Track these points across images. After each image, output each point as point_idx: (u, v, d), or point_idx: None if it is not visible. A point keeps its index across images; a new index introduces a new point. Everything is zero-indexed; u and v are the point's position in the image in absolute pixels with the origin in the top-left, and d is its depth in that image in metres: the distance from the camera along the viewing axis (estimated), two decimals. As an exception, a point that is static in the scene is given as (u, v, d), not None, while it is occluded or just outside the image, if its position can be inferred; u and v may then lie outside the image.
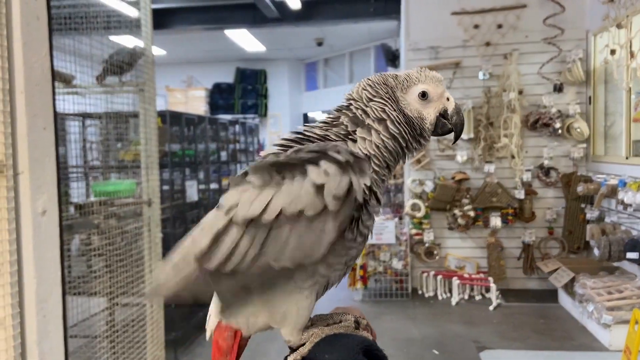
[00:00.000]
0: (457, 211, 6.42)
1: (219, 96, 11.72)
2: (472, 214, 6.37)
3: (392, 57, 8.88)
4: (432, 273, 6.43)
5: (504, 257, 6.39)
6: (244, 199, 0.62)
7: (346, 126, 0.73)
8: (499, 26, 6.41)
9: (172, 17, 8.71)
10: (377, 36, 9.85)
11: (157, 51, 10.92)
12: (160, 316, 3.01)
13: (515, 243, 6.46)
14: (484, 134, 6.36)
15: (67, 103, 3.33)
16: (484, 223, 6.43)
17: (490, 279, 6.05)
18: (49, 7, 1.74)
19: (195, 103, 11.39)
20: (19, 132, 1.59)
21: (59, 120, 3.97)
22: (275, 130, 11.62)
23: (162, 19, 8.65)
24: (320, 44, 10.22)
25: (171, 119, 5.14)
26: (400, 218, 6.79)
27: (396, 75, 0.73)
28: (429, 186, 6.58)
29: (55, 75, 2.92)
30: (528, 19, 6.29)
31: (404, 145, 0.71)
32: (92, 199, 2.70)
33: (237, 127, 7.65)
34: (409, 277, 6.50)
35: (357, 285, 6.56)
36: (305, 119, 12.33)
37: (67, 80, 2.89)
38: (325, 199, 0.60)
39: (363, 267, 6.56)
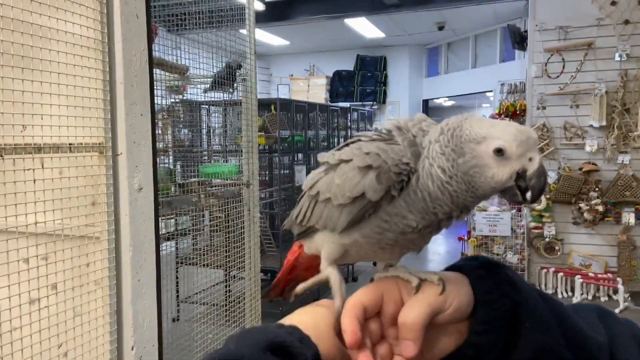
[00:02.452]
0: (583, 205, 5.90)
1: (339, 84, 11.92)
2: (600, 208, 5.81)
3: (519, 39, 8.32)
4: (552, 270, 6.00)
5: (637, 257, 5.75)
6: (310, 176, 0.81)
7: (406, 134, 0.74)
8: (641, 1, 5.70)
9: (294, 8, 9.03)
10: (504, 17, 9.29)
11: (281, 42, 11.40)
12: (257, 290, 3.22)
13: (652, 243, 5.78)
14: (618, 122, 5.74)
15: (201, 91, 3.68)
16: (614, 219, 5.84)
17: (619, 279, 5.49)
18: (148, 6, 1.94)
19: (317, 91, 11.72)
20: (119, 118, 1.81)
21: (192, 107, 4.39)
22: (393, 117, 11.55)
23: (285, 11, 9.01)
24: (441, 28, 9.91)
25: (281, 107, 5.37)
26: (519, 210, 6.41)
27: (476, 124, 0.69)
28: (552, 177, 6.12)
29: (171, 67, 3.24)
30: (677, -10, 5.52)
31: (456, 190, 0.69)
32: (194, 179, 2.97)
33: (353, 114, 7.75)
34: (525, 273, 6.14)
35: (469, 277, 6.36)
36: (425, 105, 12.07)
37: (181, 72, 3.18)
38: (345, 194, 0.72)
39: (475, 259, 6.30)
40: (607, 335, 0.75)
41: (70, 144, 1.69)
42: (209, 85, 3.33)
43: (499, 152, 0.66)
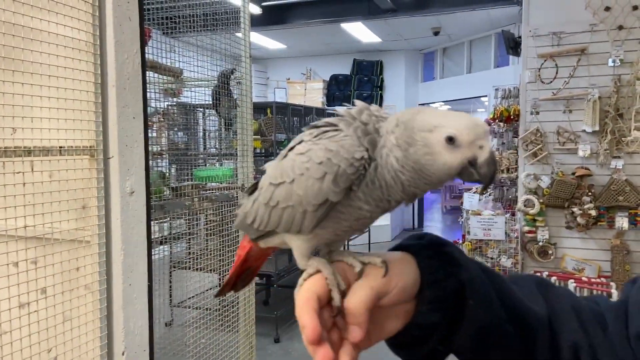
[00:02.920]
0: (576, 209, 5.91)
1: (336, 87, 11.94)
2: (593, 213, 5.82)
3: (513, 45, 8.36)
4: (545, 273, 6.00)
5: (630, 262, 5.77)
6: (263, 185, 0.79)
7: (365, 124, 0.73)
8: (635, 8, 5.72)
9: (291, 13, 9.04)
10: (498, 23, 9.33)
11: (278, 45, 11.41)
12: (252, 294, 3.21)
13: (645, 248, 5.80)
14: (611, 127, 5.76)
15: (198, 94, 3.66)
16: (608, 224, 5.85)
17: (613, 284, 5.50)
18: (141, 9, 1.94)
19: (313, 95, 11.72)
20: (110, 121, 1.80)
21: (188, 110, 4.38)
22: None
23: (281, 15, 9.02)
24: (437, 33, 9.95)
25: (277, 110, 5.37)
26: (512, 214, 6.42)
27: (428, 114, 0.71)
28: (545, 181, 6.13)
29: (165, 70, 3.24)
30: (670, -4, 5.55)
31: (408, 179, 0.70)
32: (186, 183, 2.96)
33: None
34: (519, 277, 6.14)
35: (462, 281, 6.36)
36: (421, 110, 12.09)
37: (176, 75, 3.17)
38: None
39: (469, 263, 6.30)
40: (547, 307, 0.78)
41: (60, 147, 1.68)
42: (203, 89, 3.32)
43: (450, 140, 0.68)
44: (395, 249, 0.78)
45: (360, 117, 0.73)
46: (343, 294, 0.68)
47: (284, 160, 0.76)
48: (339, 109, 0.78)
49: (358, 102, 0.76)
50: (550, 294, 0.80)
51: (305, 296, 0.65)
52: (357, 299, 0.66)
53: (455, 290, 0.71)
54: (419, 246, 0.75)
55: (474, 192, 7.10)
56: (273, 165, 0.79)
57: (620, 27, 5.75)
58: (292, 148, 0.76)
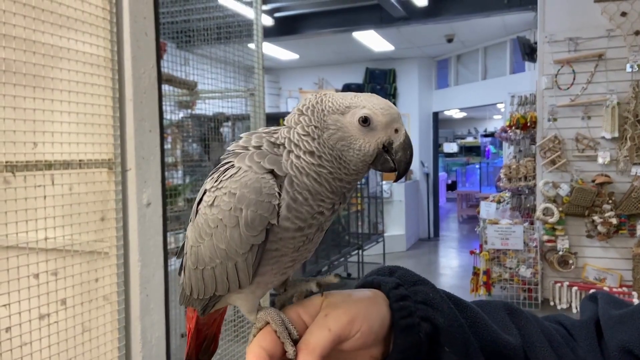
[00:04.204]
0: (596, 217, 5.82)
1: (349, 97, 11.96)
2: (614, 221, 5.73)
3: (529, 51, 8.31)
4: (566, 284, 5.92)
5: (653, 271, 5.66)
6: (187, 253, 0.73)
7: (276, 137, 0.68)
8: (652, 12, 5.67)
9: (303, 23, 9.11)
10: (513, 29, 9.29)
11: (290, 55, 11.48)
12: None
13: (668, 256, 5.68)
14: (630, 133, 5.68)
15: (209, 106, 3.70)
16: (629, 232, 5.76)
17: (635, 293, 5.40)
18: (157, 24, 1.97)
19: (327, 104, 11.74)
20: (128, 134, 1.83)
21: (201, 121, 4.41)
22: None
23: (293, 25, 9.09)
24: (450, 40, 9.93)
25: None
26: (531, 223, 6.34)
27: (338, 96, 0.66)
28: (564, 189, 6.05)
29: (180, 83, 3.28)
30: (688, 1, 5.49)
31: (330, 171, 0.64)
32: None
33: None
34: (539, 287, 6.06)
35: (479, 291, 6.29)
36: (435, 117, 12.05)
37: (190, 87, 3.21)
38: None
39: (487, 272, 6.26)
40: (520, 336, 0.74)
41: (80, 160, 1.71)
42: (217, 99, 3.36)
43: (365, 121, 0.63)
44: (363, 285, 0.72)
45: (251, 144, 0.67)
46: (298, 341, 0.62)
47: (197, 218, 0.69)
48: (229, 147, 0.72)
49: (243, 134, 0.71)
50: (522, 321, 0.76)
51: (255, 353, 0.59)
52: (313, 340, 0.60)
53: (430, 335, 0.65)
54: (392, 285, 0.68)
55: (490, 201, 7.04)
56: (190, 227, 0.73)
57: (637, 33, 5.68)
58: (200, 201, 0.71)
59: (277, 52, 11.01)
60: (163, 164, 1.98)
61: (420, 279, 0.71)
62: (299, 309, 0.65)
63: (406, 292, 0.67)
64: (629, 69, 5.71)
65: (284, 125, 0.68)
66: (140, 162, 1.87)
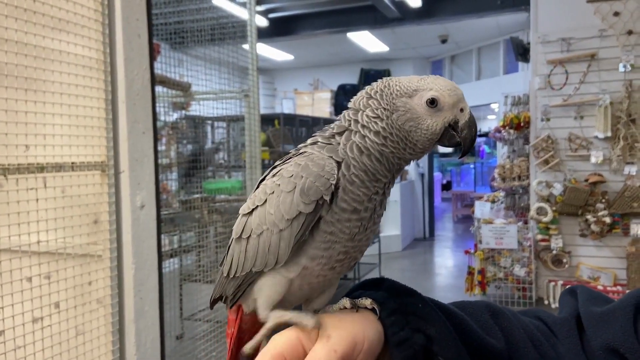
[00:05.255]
0: (590, 217, 5.85)
1: (344, 97, 11.96)
2: (608, 220, 5.76)
3: (522, 51, 8.34)
4: (560, 282, 5.95)
5: (646, 270, 5.69)
6: (235, 225, 0.75)
7: (332, 129, 0.72)
8: (644, 11, 5.70)
9: (298, 24, 9.11)
10: (507, 29, 9.33)
11: (285, 56, 11.48)
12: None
13: (661, 255, 5.72)
14: (623, 132, 5.71)
15: (204, 107, 3.69)
16: (622, 230, 5.79)
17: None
18: (150, 25, 1.97)
19: (321, 105, 11.75)
20: (121, 136, 1.82)
21: (196, 122, 4.41)
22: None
23: (288, 26, 9.09)
24: (444, 41, 9.95)
25: (285, 121, 5.40)
26: (525, 222, 6.37)
27: (404, 80, 0.70)
28: (557, 189, 6.08)
29: (174, 84, 3.27)
30: (680, 1, 5.52)
31: (392, 151, 0.68)
32: (196, 196, 2.98)
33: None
34: (533, 286, 6.09)
35: (474, 290, 6.30)
36: (430, 118, 12.07)
37: (184, 88, 3.21)
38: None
39: (481, 272, 6.27)
40: (504, 337, 0.75)
41: (72, 163, 1.70)
42: (210, 100, 3.36)
43: (432, 102, 0.67)
44: (350, 293, 0.73)
45: (307, 143, 0.73)
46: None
47: (256, 191, 0.73)
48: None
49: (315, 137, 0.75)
50: (505, 322, 0.77)
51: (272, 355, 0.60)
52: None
53: (424, 346, 0.66)
54: (379, 299, 0.69)
55: (485, 201, 7.05)
56: (248, 201, 0.75)
57: (630, 32, 5.71)
58: (262, 180, 0.74)
59: (271, 53, 11.01)
60: (157, 166, 1.97)
61: (407, 290, 0.71)
62: (296, 332, 0.65)
63: (396, 305, 0.68)
64: (621, 69, 5.74)
65: (350, 107, 0.72)
66: (134, 164, 1.86)
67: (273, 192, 0.69)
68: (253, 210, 0.72)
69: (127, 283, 1.84)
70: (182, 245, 3.43)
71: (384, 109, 0.68)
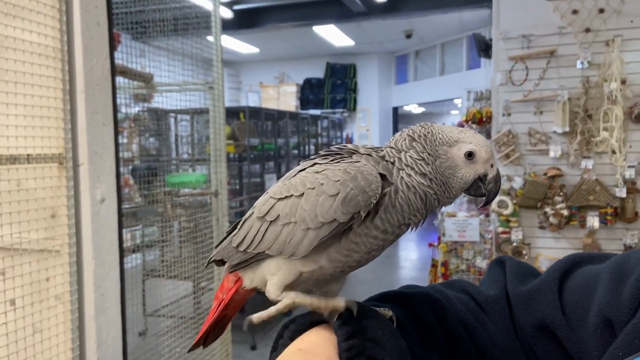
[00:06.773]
0: (548, 209, 6.03)
1: (310, 91, 11.95)
2: (565, 212, 5.95)
3: (484, 47, 8.50)
4: (519, 274, 6.12)
5: (600, 260, 5.91)
6: (260, 201, 0.77)
7: (378, 152, 0.76)
8: (601, 11, 5.88)
9: (263, 16, 9.02)
10: (470, 26, 9.49)
11: (250, 49, 11.37)
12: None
13: (615, 245, 5.94)
14: (581, 127, 5.90)
15: (169, 99, 3.59)
16: (580, 223, 5.99)
17: (584, 282, 5.63)
18: (109, 14, 1.91)
19: (287, 98, 11.72)
20: (79, 127, 1.76)
21: (159, 115, 4.30)
22: (364, 125, 11.63)
23: (253, 18, 8.99)
24: (409, 36, 10.05)
25: (250, 114, 5.34)
26: (487, 215, 6.52)
27: (446, 129, 0.75)
28: (517, 182, 6.24)
29: (135, 75, 3.19)
30: (634, 2, 5.72)
31: (436, 192, 0.73)
32: (159, 190, 2.91)
33: (324, 122, 7.77)
34: (494, 277, 6.24)
35: (438, 282, 6.42)
36: (395, 112, 12.20)
37: (146, 80, 3.13)
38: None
39: (444, 264, 6.40)
40: (445, 337, 0.78)
41: (28, 155, 1.64)
42: (174, 92, 3.28)
43: (470, 155, 0.73)
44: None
45: (359, 150, 0.75)
46: None
47: (293, 179, 0.74)
48: (333, 148, 0.79)
49: (347, 144, 0.77)
50: (442, 315, 0.79)
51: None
52: None
53: None
54: (338, 322, 0.68)
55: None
56: (275, 185, 0.77)
57: (588, 30, 5.89)
58: (301, 170, 0.75)
59: (237, 45, 10.88)
60: (118, 159, 1.92)
61: (368, 311, 0.70)
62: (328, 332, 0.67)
63: (354, 329, 0.67)
64: (579, 66, 5.92)
65: (389, 146, 0.76)
66: (93, 156, 1.81)
67: (313, 188, 0.71)
68: (286, 197, 0.73)
69: (87, 279, 1.79)
70: (144, 240, 3.36)
71: (429, 154, 0.72)
